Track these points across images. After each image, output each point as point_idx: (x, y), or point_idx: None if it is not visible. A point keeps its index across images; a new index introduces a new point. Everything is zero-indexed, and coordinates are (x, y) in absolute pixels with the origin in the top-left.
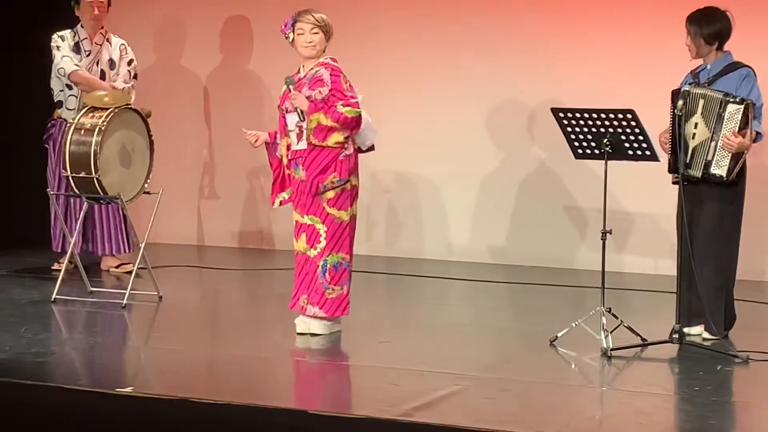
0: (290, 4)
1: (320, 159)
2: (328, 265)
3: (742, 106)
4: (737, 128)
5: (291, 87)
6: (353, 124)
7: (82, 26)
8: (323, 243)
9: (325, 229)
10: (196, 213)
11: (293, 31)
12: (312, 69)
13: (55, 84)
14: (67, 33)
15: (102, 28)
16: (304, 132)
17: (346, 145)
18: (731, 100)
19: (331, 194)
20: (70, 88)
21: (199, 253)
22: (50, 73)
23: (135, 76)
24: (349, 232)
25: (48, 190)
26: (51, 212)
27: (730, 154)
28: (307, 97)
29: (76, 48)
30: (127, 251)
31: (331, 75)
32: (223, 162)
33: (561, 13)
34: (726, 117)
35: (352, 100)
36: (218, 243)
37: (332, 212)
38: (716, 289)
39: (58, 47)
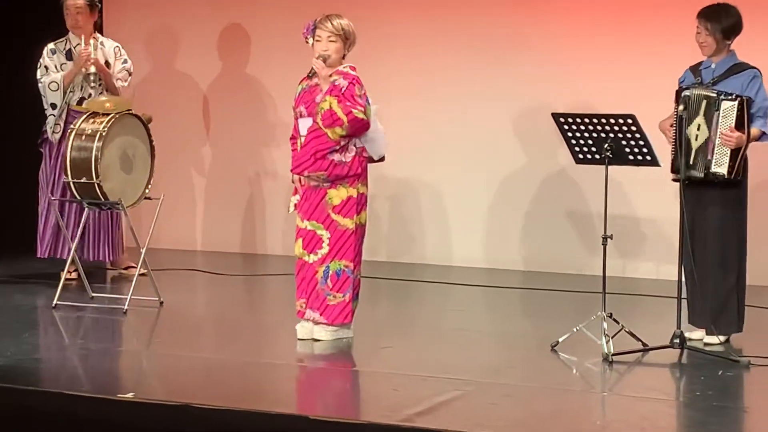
0: (288, 8)
1: (316, 145)
2: (330, 272)
3: (736, 103)
4: (734, 124)
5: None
6: (358, 125)
7: (71, 32)
8: (325, 249)
9: (329, 235)
10: (196, 218)
11: (312, 37)
12: (330, 77)
13: (43, 101)
14: (60, 44)
15: (94, 32)
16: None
17: (340, 147)
18: (725, 98)
19: (336, 200)
20: (53, 107)
21: (200, 258)
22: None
23: (129, 74)
24: (355, 240)
25: (50, 195)
26: (40, 218)
27: (728, 152)
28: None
29: (68, 54)
30: (114, 258)
31: (348, 83)
32: (224, 167)
33: (564, 20)
34: (721, 114)
35: (359, 107)
36: (219, 248)
37: (337, 219)
38: (727, 289)
39: (45, 67)
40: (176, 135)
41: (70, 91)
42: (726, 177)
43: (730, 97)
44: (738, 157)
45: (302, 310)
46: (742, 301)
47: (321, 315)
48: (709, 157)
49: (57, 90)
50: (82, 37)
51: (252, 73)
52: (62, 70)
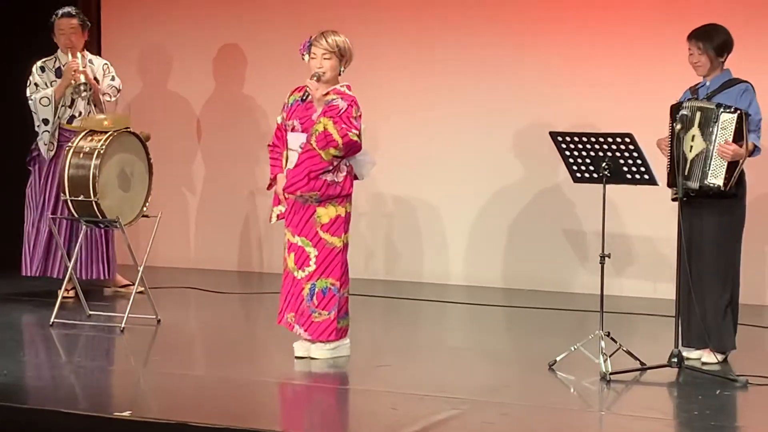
0: (283, 27)
1: (310, 165)
2: (316, 290)
3: (735, 115)
4: (731, 137)
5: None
6: (352, 147)
7: (61, 51)
8: (312, 267)
9: (316, 253)
10: (191, 236)
11: (308, 54)
12: (328, 95)
13: (34, 117)
14: (49, 62)
15: (83, 50)
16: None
17: (333, 167)
18: (724, 110)
19: (325, 219)
20: (46, 123)
21: (196, 276)
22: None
23: (118, 91)
24: (342, 259)
25: (47, 214)
26: (29, 236)
27: (725, 164)
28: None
29: (58, 72)
30: (108, 277)
31: (347, 105)
32: (218, 185)
33: (561, 38)
34: (720, 126)
35: (354, 130)
36: (215, 266)
37: (325, 237)
38: (724, 306)
39: (34, 84)
40: (171, 153)
41: (62, 106)
42: (721, 189)
43: (729, 110)
44: (735, 170)
45: (291, 324)
46: (736, 316)
47: (305, 331)
48: (705, 168)
49: (48, 105)
50: (69, 53)
51: (246, 92)
52: (52, 87)
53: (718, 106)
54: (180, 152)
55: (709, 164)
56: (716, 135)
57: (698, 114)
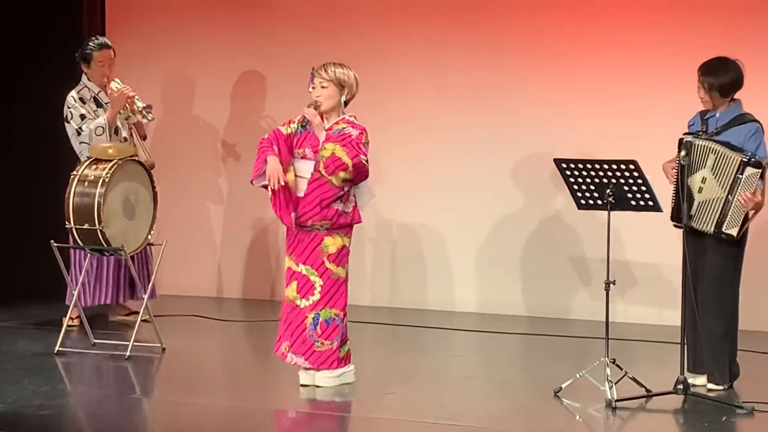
0: (300, 56)
1: (321, 194)
2: (320, 320)
3: (759, 170)
4: (754, 189)
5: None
6: (361, 170)
7: (89, 80)
8: (317, 297)
9: (321, 283)
10: (208, 264)
11: (311, 84)
12: (338, 124)
13: (83, 148)
14: (83, 92)
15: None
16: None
17: (344, 194)
18: (749, 162)
19: (332, 249)
20: None
21: (205, 304)
22: (64, 128)
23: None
24: (345, 289)
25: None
26: (72, 266)
27: (744, 214)
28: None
29: (96, 102)
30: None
31: (358, 132)
32: (238, 211)
33: (564, 64)
34: (743, 180)
35: (363, 155)
36: (224, 294)
37: (331, 267)
38: (720, 338)
39: (80, 116)
40: (191, 180)
41: (115, 134)
42: (735, 238)
43: (752, 161)
44: (749, 218)
45: (285, 353)
46: (735, 351)
47: (306, 360)
48: (721, 217)
49: (103, 134)
50: (107, 80)
51: (267, 119)
52: (98, 116)
53: (744, 156)
54: (200, 179)
55: (728, 214)
56: (739, 187)
57: (710, 156)
